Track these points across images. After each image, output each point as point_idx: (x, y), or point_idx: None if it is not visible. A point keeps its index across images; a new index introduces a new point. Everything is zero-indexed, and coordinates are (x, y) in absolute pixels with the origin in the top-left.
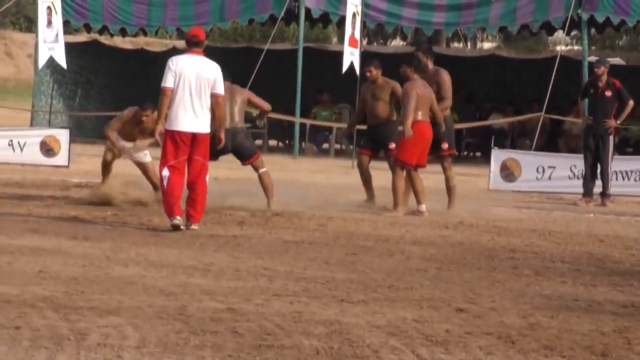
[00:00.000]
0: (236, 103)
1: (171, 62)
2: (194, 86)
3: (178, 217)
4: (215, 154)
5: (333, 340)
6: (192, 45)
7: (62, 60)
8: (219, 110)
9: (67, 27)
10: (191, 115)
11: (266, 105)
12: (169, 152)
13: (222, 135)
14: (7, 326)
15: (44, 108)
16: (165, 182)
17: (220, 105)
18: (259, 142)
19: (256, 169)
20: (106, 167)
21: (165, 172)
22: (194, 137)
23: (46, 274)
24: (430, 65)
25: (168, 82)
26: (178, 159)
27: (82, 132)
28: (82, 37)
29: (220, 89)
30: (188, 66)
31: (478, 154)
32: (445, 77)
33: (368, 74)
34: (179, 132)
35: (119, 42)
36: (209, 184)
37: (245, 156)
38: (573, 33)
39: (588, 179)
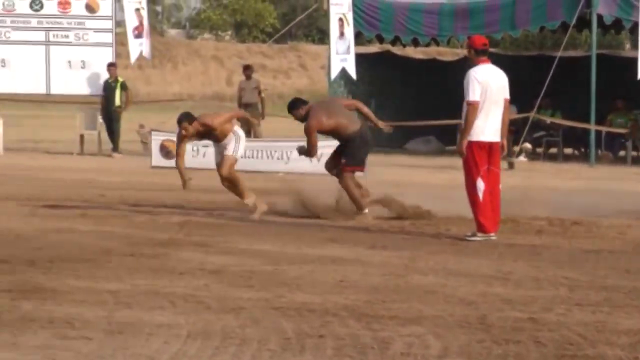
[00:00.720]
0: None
1: (476, 74)
2: (495, 96)
3: (494, 235)
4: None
5: (637, 351)
6: (482, 53)
7: (352, 72)
8: (507, 116)
9: (359, 39)
10: (492, 124)
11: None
12: (479, 163)
13: (505, 142)
14: (312, 335)
15: None
16: (480, 195)
17: (508, 109)
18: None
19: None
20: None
21: (481, 184)
22: (492, 146)
23: (347, 282)
24: None
25: (477, 95)
26: (483, 168)
27: (376, 142)
28: (374, 48)
29: (508, 94)
30: (490, 77)
31: None
32: None
33: None
34: (485, 143)
35: (411, 52)
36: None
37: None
38: None
39: None
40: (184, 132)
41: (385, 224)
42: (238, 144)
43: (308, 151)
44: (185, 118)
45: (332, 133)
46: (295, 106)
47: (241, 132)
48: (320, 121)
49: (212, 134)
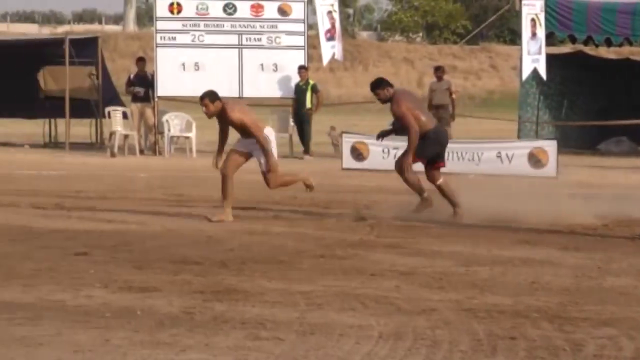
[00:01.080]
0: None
1: None
2: None
3: None
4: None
5: None
6: None
7: (543, 72)
8: None
9: (551, 39)
10: None
11: None
12: None
13: None
14: (503, 336)
15: (530, 119)
16: None
17: None
18: None
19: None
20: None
21: None
22: None
23: (538, 284)
24: None
25: None
26: None
27: (567, 143)
28: (566, 48)
29: None
30: None
31: None
32: None
33: None
34: None
35: (603, 52)
36: None
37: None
38: None
39: None
40: (204, 109)
41: (578, 226)
42: (271, 150)
43: (409, 139)
44: (208, 95)
45: None
46: (381, 85)
47: (272, 136)
48: (408, 105)
49: (229, 124)
